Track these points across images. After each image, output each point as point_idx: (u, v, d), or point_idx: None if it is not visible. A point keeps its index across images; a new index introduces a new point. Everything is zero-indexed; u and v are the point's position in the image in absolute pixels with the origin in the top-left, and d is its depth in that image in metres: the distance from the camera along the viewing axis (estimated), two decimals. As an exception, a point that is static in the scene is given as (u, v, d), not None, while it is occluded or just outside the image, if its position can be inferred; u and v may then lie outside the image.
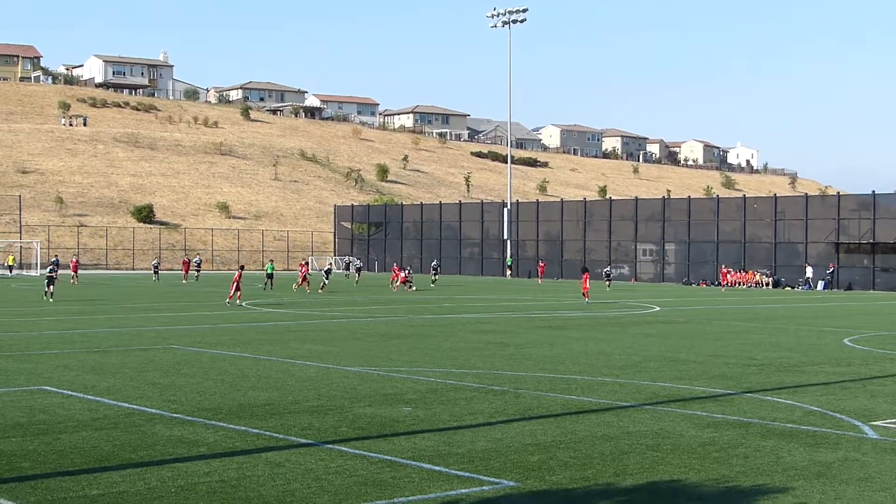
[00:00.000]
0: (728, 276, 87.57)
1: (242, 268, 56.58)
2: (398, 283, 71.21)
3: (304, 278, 67.18)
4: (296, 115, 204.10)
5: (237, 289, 51.95)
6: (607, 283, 78.05)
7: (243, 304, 51.68)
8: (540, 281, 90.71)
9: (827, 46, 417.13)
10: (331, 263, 71.40)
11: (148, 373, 24.02)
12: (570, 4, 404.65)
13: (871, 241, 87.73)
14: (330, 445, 15.51)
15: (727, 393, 21.56)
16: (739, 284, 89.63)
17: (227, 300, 52.21)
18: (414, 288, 70.10)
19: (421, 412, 18.60)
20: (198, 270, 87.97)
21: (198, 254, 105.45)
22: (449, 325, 39.87)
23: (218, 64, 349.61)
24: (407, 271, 73.17)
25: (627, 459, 14.67)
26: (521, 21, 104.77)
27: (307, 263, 74.06)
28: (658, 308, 53.89)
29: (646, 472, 13.85)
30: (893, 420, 18.28)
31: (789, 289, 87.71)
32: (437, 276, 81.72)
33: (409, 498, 12.33)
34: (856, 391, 22.01)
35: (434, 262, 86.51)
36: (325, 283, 68.80)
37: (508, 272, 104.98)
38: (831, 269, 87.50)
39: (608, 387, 22.30)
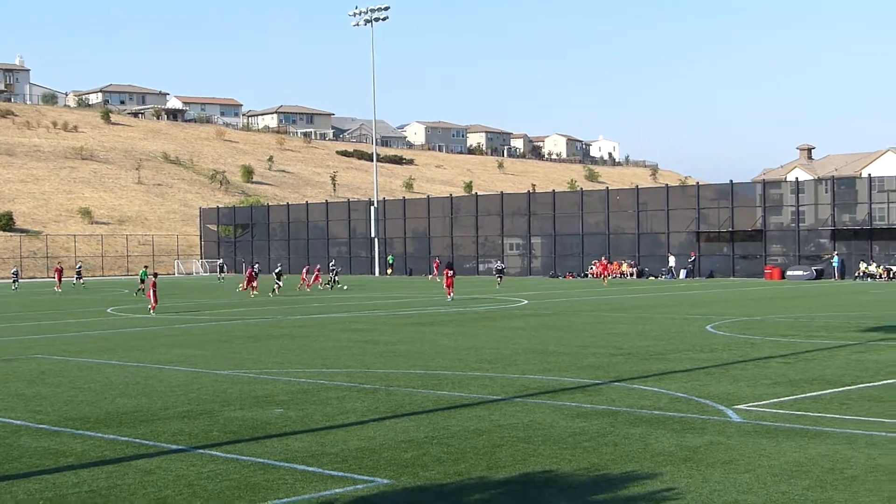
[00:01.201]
0: (606, 267, 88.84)
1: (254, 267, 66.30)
2: (310, 282, 73.06)
3: (314, 280, 72.39)
4: (158, 118, 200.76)
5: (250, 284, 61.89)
6: (499, 279, 76.97)
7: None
8: (437, 278, 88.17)
9: (684, 40, 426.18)
10: (280, 266, 70.39)
11: (11, 383, 23.39)
12: (431, 2, 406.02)
13: (731, 229, 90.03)
14: (201, 450, 15.31)
15: (595, 383, 21.88)
16: (605, 275, 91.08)
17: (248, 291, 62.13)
18: (345, 287, 71.91)
19: (293, 413, 18.47)
20: (79, 277, 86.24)
21: (79, 261, 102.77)
22: (319, 325, 39.69)
23: (76, 67, 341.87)
24: (334, 271, 75.77)
25: (500, 452, 14.77)
26: (383, 19, 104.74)
27: (319, 269, 77.04)
28: (526, 301, 54.44)
29: (518, 464, 13.97)
30: (756, 403, 18.76)
31: (653, 278, 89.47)
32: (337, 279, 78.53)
33: (282, 500, 12.23)
34: (719, 376, 22.54)
35: (333, 264, 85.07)
36: (279, 287, 65.95)
37: (389, 270, 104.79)
38: (693, 258, 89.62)
39: (479, 381, 22.45)
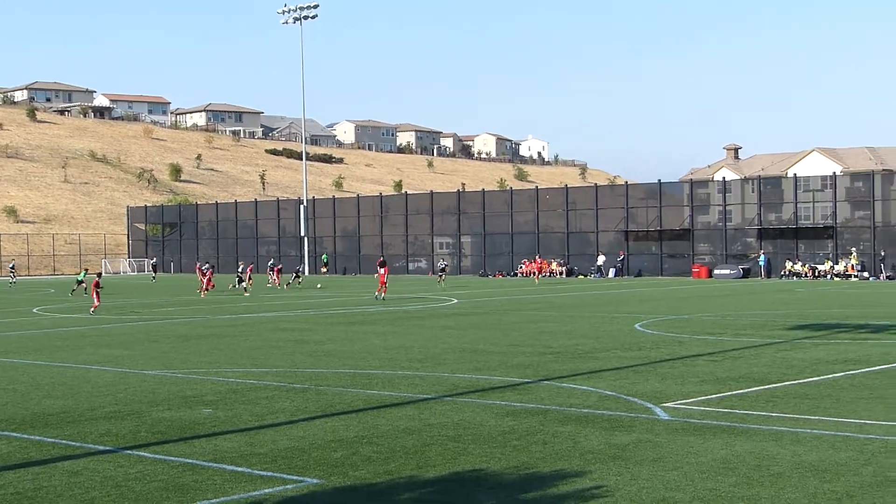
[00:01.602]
0: (540, 266, 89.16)
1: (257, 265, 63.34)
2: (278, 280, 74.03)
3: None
4: (84, 116, 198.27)
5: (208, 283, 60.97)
6: (441, 278, 76.41)
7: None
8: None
9: (612, 42, 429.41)
10: (299, 267, 68.50)
11: (-68, 385, 22.97)
12: (361, 0, 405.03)
13: (659, 228, 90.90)
14: (129, 451, 15.15)
15: (525, 381, 21.97)
16: (535, 274, 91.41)
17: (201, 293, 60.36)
18: (318, 286, 72.74)
19: (221, 413, 18.34)
20: (12, 276, 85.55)
21: (13, 259, 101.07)
22: (248, 325, 39.46)
23: (1, 65, 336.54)
24: (298, 269, 77.31)
25: (430, 451, 14.78)
26: (313, 17, 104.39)
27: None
28: (456, 300, 54.53)
29: (448, 463, 13.99)
30: (683, 401, 18.94)
31: (582, 277, 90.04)
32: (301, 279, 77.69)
33: (211, 501, 12.14)
34: (647, 374, 22.74)
35: (299, 267, 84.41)
36: (298, 278, 68.47)
37: (324, 269, 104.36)
38: (622, 257, 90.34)
39: (409, 380, 22.44)
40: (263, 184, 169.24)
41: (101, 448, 15.44)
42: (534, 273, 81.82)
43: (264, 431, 16.53)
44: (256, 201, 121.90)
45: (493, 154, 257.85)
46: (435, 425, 16.80)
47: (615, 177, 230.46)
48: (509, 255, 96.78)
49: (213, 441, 15.81)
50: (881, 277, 79.06)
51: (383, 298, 54.81)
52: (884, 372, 22.79)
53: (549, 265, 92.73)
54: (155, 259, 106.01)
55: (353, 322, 40.24)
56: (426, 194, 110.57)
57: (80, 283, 66.76)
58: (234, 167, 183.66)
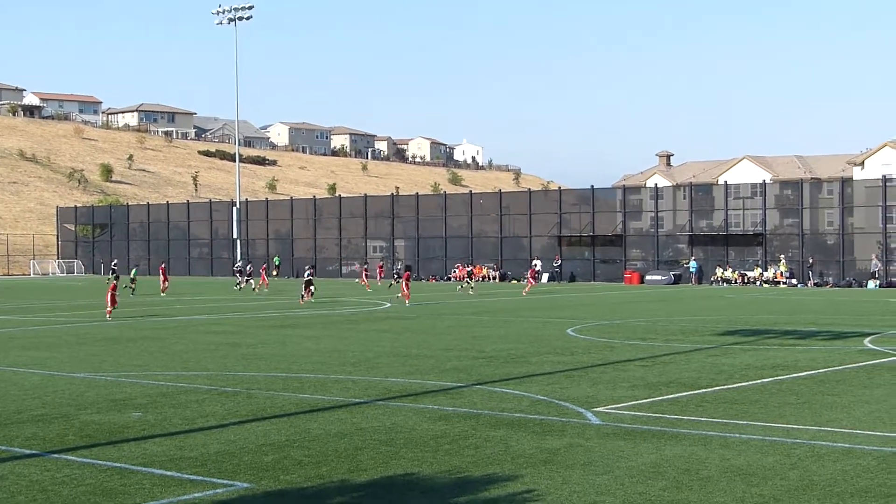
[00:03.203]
0: (475, 270, 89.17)
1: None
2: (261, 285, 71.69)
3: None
4: (13, 114, 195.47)
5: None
6: (466, 284, 75.88)
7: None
8: (365, 284, 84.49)
9: (546, 47, 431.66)
10: (310, 268, 60.18)
11: None
12: (296, 1, 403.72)
13: (591, 233, 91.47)
14: (56, 455, 14.96)
15: (458, 386, 22.00)
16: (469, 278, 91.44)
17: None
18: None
19: (151, 417, 18.17)
20: None
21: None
22: (179, 328, 39.14)
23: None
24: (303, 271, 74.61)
25: (361, 455, 14.76)
26: (247, 18, 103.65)
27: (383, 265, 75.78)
28: (389, 304, 54.49)
29: (380, 468, 13.98)
30: (614, 406, 19.08)
31: (515, 282, 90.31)
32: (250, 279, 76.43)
33: (140, 506, 12.02)
34: (579, 379, 22.87)
35: (239, 265, 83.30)
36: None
37: (275, 272, 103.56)
38: (559, 262, 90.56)
39: (341, 384, 22.39)
40: (196, 185, 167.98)
41: (28, 452, 15.23)
42: (527, 279, 73.05)
43: (194, 435, 16.40)
44: (189, 203, 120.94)
45: (428, 158, 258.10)
46: (367, 429, 16.78)
47: (549, 182, 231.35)
48: (443, 259, 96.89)
49: (143, 445, 15.66)
50: (809, 284, 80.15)
51: (408, 305, 53.03)
52: (810, 378, 23.11)
53: (481, 269, 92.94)
54: (116, 261, 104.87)
55: (286, 325, 40.06)
56: (360, 198, 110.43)
57: (134, 280, 68.24)
58: (166, 168, 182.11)
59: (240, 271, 77.92)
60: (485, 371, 24.56)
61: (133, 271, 73.44)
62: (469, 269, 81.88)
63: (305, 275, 56.95)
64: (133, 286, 66.72)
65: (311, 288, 55.27)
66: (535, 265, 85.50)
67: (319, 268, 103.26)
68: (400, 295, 56.00)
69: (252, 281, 73.10)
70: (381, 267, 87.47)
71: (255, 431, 16.67)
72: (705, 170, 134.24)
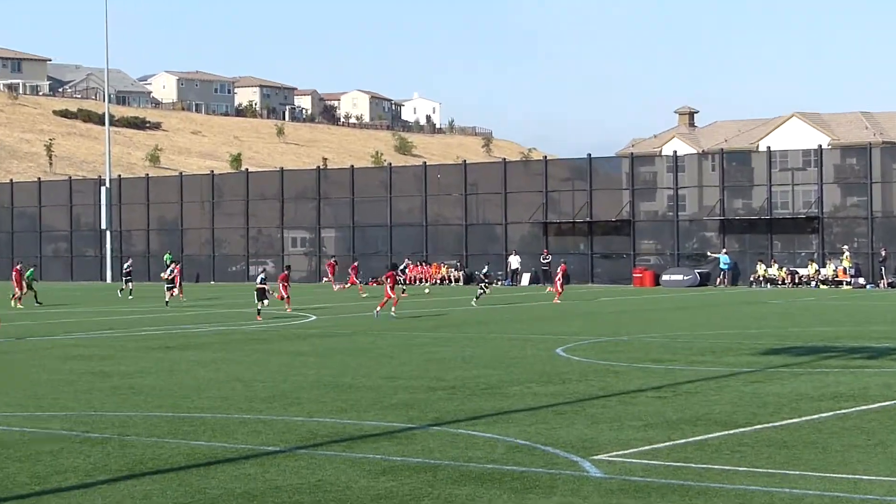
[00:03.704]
0: (431, 269, 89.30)
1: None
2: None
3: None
4: None
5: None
6: (483, 291, 75.82)
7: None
8: (334, 286, 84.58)
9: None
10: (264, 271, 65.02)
11: None
12: None
13: (588, 219, 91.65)
14: None
15: (408, 427, 21.91)
16: (421, 281, 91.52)
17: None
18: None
19: (-12, 475, 17.98)
20: None
21: None
22: (31, 351, 38.87)
23: None
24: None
25: (277, 524, 14.66)
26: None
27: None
28: (314, 317, 54.38)
29: (302, 540, 13.87)
30: (621, 452, 19.03)
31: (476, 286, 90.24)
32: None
33: None
34: (572, 417, 22.83)
35: (128, 265, 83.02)
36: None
37: (165, 275, 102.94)
38: (547, 258, 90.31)
39: (249, 426, 22.26)
40: (50, 157, 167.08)
41: None
42: (557, 283, 70.72)
43: (47, 498, 16.23)
44: (40, 182, 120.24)
45: (367, 119, 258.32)
46: (284, 488, 16.67)
47: (530, 150, 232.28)
48: (387, 254, 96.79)
49: (-25, 514, 15.49)
50: (882, 284, 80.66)
51: (393, 315, 52.94)
52: (885, 410, 23.19)
53: (439, 269, 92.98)
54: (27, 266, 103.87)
55: (173, 346, 39.86)
56: (274, 172, 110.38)
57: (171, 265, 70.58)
58: (9, 134, 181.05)
59: (129, 273, 77.37)
60: (445, 407, 24.49)
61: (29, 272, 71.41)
62: (403, 266, 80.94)
63: (258, 280, 56.57)
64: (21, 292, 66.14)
65: (266, 300, 55.06)
66: (544, 261, 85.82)
67: (218, 268, 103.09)
68: (378, 308, 54.67)
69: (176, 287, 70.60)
70: (333, 265, 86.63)
71: (132, 492, 16.52)
72: (741, 132, 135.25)
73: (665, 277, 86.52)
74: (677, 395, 25.75)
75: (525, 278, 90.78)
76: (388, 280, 55.30)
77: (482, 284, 68.22)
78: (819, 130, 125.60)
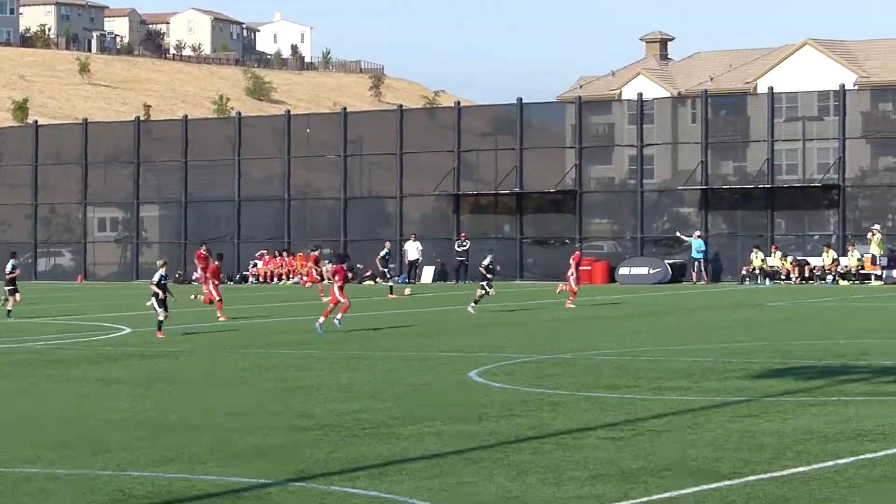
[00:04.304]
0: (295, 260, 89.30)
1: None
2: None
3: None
4: None
5: None
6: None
7: None
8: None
9: None
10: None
11: None
12: None
13: (518, 189, 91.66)
14: None
15: (260, 484, 21.87)
16: (284, 278, 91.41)
17: None
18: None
19: None
20: None
21: None
22: None
23: None
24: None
25: None
26: None
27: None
28: (128, 329, 54.18)
29: None
30: (560, 517, 19.13)
31: (371, 283, 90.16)
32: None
33: None
34: (491, 466, 22.81)
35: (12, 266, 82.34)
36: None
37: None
38: (465, 244, 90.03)
39: (34, 484, 22.12)
40: None
41: None
42: (570, 279, 70.04)
43: None
44: None
45: (208, 49, 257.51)
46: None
47: (437, 93, 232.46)
48: (233, 241, 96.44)
49: None
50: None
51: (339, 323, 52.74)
52: (927, 455, 23.36)
53: (306, 262, 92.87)
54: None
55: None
56: (74, 127, 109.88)
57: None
58: None
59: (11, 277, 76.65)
60: (312, 454, 24.42)
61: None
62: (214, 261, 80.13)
63: (156, 279, 56.22)
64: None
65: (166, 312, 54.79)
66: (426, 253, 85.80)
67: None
68: (324, 317, 54.34)
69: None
70: (206, 257, 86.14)
71: None
72: (732, 67, 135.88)
73: (623, 271, 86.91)
74: (638, 436, 25.83)
75: (427, 273, 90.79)
76: (336, 277, 54.72)
77: (484, 284, 66.22)
78: (841, 65, 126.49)
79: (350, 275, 59.10)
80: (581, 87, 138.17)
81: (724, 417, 28.06)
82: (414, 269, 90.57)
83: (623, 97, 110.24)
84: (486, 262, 67.45)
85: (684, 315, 58.64)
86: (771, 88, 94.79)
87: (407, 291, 79.18)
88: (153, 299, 53.11)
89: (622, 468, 22.49)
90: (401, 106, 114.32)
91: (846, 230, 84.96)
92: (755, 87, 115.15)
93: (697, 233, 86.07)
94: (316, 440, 26.09)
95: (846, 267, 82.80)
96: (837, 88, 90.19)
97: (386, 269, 78.83)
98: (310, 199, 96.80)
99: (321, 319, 52.04)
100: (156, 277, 54.51)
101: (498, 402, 31.08)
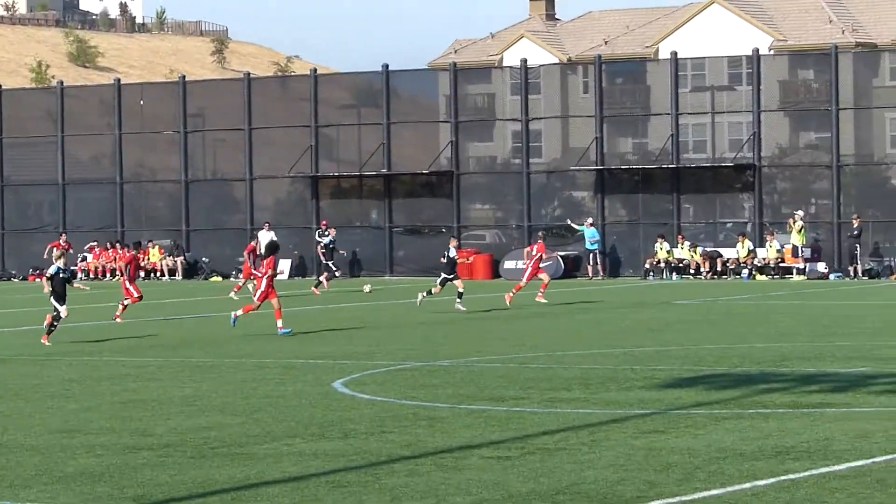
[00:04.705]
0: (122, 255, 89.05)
1: None
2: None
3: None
4: None
5: None
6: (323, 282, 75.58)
7: None
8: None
9: None
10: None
11: None
12: None
13: (386, 171, 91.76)
14: None
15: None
16: (113, 273, 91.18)
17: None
18: None
19: None
20: None
21: None
22: None
23: None
24: None
25: None
26: None
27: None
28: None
29: None
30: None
31: (219, 279, 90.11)
32: None
33: None
34: (360, 490, 22.88)
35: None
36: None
37: None
38: (329, 235, 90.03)
39: None
40: None
41: None
42: (531, 270, 70.27)
43: None
44: None
45: (22, 9, 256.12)
46: None
47: (290, 59, 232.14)
48: (57, 231, 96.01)
49: None
50: (855, 272, 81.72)
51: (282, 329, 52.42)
52: (859, 475, 23.58)
53: (130, 255, 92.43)
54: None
55: None
56: None
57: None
58: None
59: None
60: (154, 477, 24.41)
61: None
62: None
63: (53, 271, 56.00)
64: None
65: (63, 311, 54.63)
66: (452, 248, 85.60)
67: None
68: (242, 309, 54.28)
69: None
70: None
71: None
72: (630, 28, 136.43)
73: (509, 264, 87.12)
74: (528, 454, 25.97)
75: (283, 266, 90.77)
76: (266, 268, 54.02)
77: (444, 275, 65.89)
78: (755, 26, 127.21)
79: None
80: (456, 52, 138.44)
81: (627, 433, 28.24)
82: (255, 258, 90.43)
83: (504, 64, 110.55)
84: (451, 251, 66.28)
85: (580, 315, 58.92)
86: (674, 53, 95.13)
87: (367, 288, 78.13)
88: (52, 298, 52.98)
89: (510, 492, 22.62)
90: (248, 74, 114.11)
91: (763, 217, 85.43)
92: (656, 52, 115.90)
93: (590, 220, 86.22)
94: (157, 461, 26.07)
95: (764, 259, 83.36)
96: (751, 53, 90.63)
97: (331, 262, 78.15)
98: (145, 181, 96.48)
99: (279, 323, 52.18)
100: (51, 270, 54.30)
101: (367, 416, 31.17)
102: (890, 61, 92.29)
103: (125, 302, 56.86)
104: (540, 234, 76.39)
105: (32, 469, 25.60)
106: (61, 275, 52.66)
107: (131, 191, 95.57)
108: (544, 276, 64.79)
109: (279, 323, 52.03)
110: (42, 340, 50.05)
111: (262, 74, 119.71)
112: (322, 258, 78.44)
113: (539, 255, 65.13)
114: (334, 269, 78.52)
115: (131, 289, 56.94)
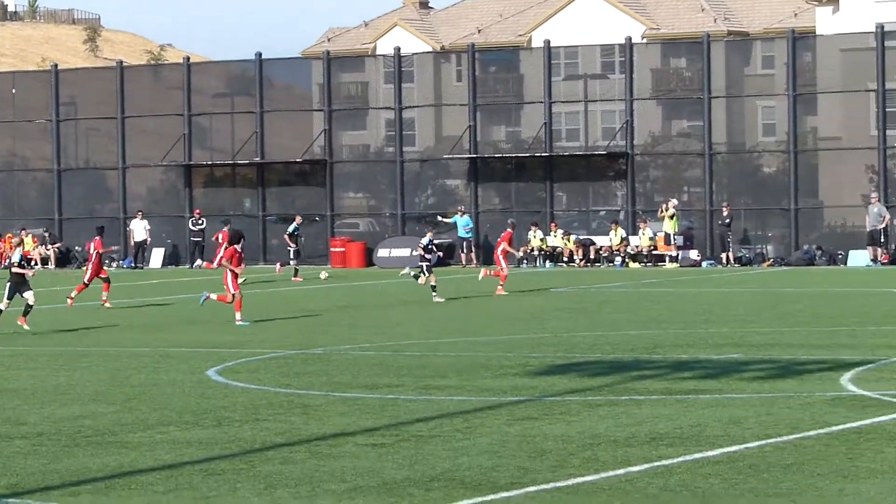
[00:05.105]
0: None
1: None
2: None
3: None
4: None
5: None
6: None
7: None
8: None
9: None
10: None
11: None
12: None
13: (258, 159, 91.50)
14: None
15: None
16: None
17: None
18: None
19: None
20: None
21: None
22: None
23: None
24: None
25: None
26: None
27: None
28: None
29: None
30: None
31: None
32: None
33: None
34: (234, 478, 22.75)
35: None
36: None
37: None
38: (201, 223, 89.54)
39: None
40: None
41: None
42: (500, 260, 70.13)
43: None
44: None
45: None
46: None
47: (162, 47, 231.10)
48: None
49: None
50: (727, 260, 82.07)
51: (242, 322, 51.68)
52: (731, 460, 23.66)
53: (10, 243, 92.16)
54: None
55: None
56: None
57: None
58: None
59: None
60: (26, 466, 24.24)
61: None
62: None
63: (13, 261, 55.40)
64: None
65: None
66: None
67: None
68: (216, 296, 53.41)
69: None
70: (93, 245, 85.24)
71: None
72: (503, 17, 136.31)
73: (382, 252, 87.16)
74: (402, 441, 25.95)
75: (157, 256, 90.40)
76: (231, 260, 52.71)
77: (421, 265, 65.22)
78: (628, 14, 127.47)
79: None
80: (329, 40, 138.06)
81: (501, 420, 28.26)
82: (141, 251, 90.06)
83: (378, 52, 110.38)
84: (425, 240, 65.28)
85: (453, 304, 58.88)
86: (547, 42, 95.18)
87: (323, 275, 77.60)
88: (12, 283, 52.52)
89: (384, 479, 22.59)
90: (121, 62, 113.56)
91: (636, 205, 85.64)
92: (529, 41, 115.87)
93: (461, 208, 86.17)
94: (30, 450, 25.93)
95: (637, 247, 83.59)
96: (623, 42, 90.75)
97: (299, 248, 77.57)
98: (17, 170, 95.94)
99: (238, 315, 51.64)
100: (15, 257, 53.74)
101: (241, 404, 31.11)
102: (762, 50, 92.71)
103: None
104: (510, 221, 76.37)
105: None
106: (18, 266, 52.35)
107: (3, 179, 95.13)
108: (501, 266, 64.28)
109: (238, 315, 51.84)
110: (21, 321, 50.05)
111: (135, 63, 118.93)
112: (290, 245, 77.86)
113: (508, 241, 64.93)
114: (294, 255, 78.08)
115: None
